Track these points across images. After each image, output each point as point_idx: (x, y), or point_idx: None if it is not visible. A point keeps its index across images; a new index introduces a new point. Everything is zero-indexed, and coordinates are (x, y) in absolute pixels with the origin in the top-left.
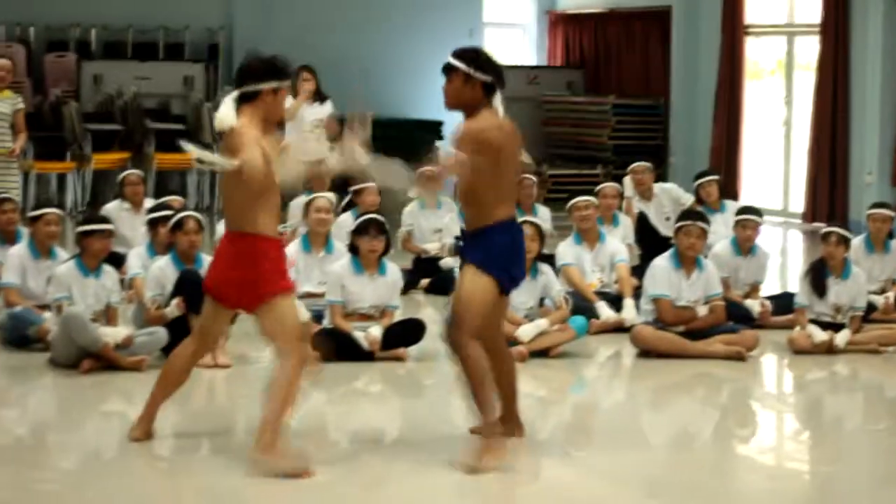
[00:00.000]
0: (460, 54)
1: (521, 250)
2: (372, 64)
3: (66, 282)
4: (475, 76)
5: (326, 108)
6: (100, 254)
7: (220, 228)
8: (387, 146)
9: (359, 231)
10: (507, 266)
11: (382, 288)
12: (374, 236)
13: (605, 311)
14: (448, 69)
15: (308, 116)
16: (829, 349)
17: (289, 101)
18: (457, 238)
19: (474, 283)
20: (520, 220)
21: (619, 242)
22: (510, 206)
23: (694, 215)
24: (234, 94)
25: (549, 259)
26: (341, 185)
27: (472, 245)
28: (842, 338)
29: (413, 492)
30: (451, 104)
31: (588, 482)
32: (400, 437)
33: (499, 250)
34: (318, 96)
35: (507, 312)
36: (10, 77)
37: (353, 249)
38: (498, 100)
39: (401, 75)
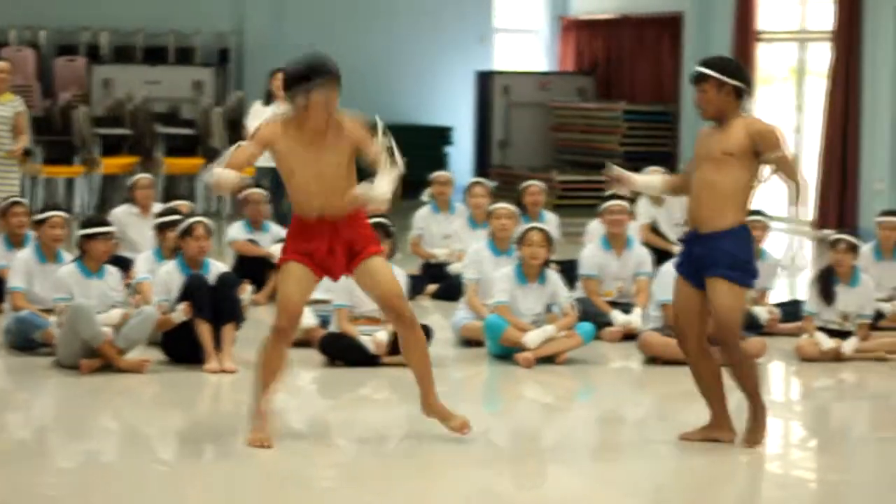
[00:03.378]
0: (709, 63)
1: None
2: (382, 68)
3: (68, 284)
4: (728, 82)
5: None
6: (102, 256)
7: (231, 233)
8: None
9: None
10: (752, 269)
11: None
12: (380, 240)
13: (617, 317)
14: (699, 78)
15: None
16: (837, 357)
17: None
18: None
19: (732, 300)
20: (527, 226)
21: (646, 252)
22: (748, 204)
23: None
24: None
25: (571, 265)
26: None
27: (712, 250)
28: (849, 345)
29: (417, 499)
30: (710, 114)
31: (594, 490)
32: (405, 444)
33: (745, 254)
34: None
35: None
36: (9, 79)
37: None
38: (750, 104)
39: (412, 80)
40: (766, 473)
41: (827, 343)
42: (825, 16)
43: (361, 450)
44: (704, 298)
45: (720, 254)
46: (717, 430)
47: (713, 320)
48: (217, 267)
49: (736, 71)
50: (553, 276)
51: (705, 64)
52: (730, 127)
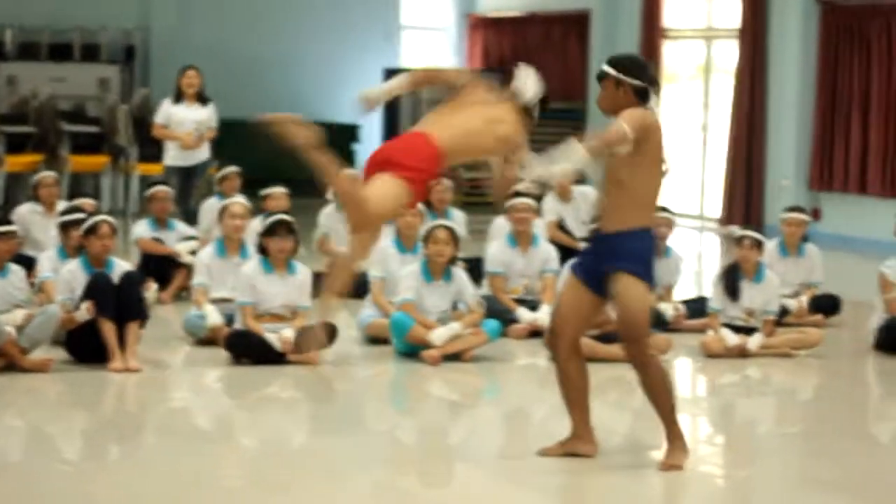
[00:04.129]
0: (612, 61)
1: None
2: (289, 65)
3: None
4: (626, 81)
5: (208, 111)
6: (4, 255)
7: (136, 230)
8: None
9: (268, 232)
10: (653, 273)
11: (292, 287)
12: (284, 237)
13: (523, 314)
14: (600, 76)
15: (189, 117)
16: (742, 353)
17: (167, 104)
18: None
19: (635, 291)
20: (433, 223)
21: (552, 249)
22: (651, 213)
23: None
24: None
25: (478, 262)
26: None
27: (612, 250)
28: (754, 342)
29: (323, 498)
30: (605, 109)
31: (501, 487)
32: (311, 443)
33: (646, 256)
34: (201, 98)
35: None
36: None
37: (262, 250)
38: (654, 103)
39: (319, 77)
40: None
41: (732, 339)
42: (732, 14)
43: (266, 449)
44: (593, 303)
45: (624, 251)
46: (577, 443)
47: (618, 316)
48: (121, 265)
49: (637, 70)
50: (459, 273)
51: (608, 62)
52: None
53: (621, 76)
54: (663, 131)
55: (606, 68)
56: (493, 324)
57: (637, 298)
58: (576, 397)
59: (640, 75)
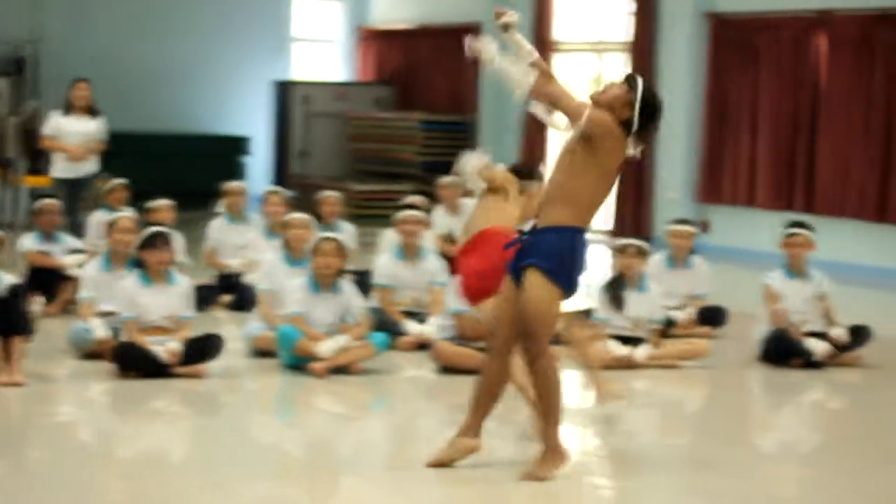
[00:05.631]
0: (641, 82)
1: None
2: (179, 77)
3: None
4: (633, 103)
5: (97, 124)
6: None
7: (24, 243)
8: (193, 161)
9: (146, 244)
10: (571, 274)
11: (174, 298)
12: (162, 248)
13: (411, 326)
14: (629, 79)
15: (78, 130)
16: (629, 364)
17: (56, 117)
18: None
19: (539, 291)
20: (321, 235)
21: (440, 262)
22: (590, 218)
23: None
24: None
25: (366, 275)
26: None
27: (533, 245)
28: (641, 353)
29: None
30: (594, 102)
31: (388, 500)
32: (196, 457)
33: (564, 256)
34: (91, 111)
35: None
36: None
37: (139, 263)
38: (632, 142)
39: (209, 89)
40: (559, 481)
41: (619, 350)
42: (621, 27)
43: (151, 463)
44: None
45: (542, 248)
46: (463, 440)
47: (520, 309)
48: (6, 278)
49: (649, 105)
50: (347, 285)
51: (640, 78)
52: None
53: (634, 96)
54: (624, 156)
55: (633, 79)
56: (380, 336)
57: (539, 298)
58: (482, 398)
59: (646, 110)
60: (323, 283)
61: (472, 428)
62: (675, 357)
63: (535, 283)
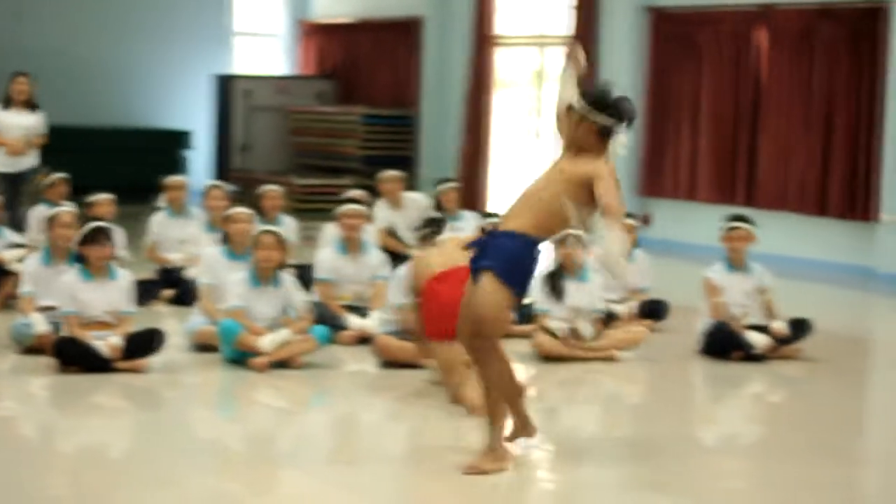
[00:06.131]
0: (583, 94)
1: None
2: (120, 71)
3: None
4: (590, 118)
5: (36, 118)
6: None
7: None
8: (134, 155)
9: (86, 239)
10: (523, 280)
11: (115, 293)
12: (103, 243)
13: (353, 320)
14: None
15: (18, 123)
16: (576, 336)
17: None
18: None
19: (490, 295)
20: (261, 229)
21: (382, 256)
22: (551, 234)
23: (434, 223)
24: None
25: (308, 269)
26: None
27: (490, 247)
28: (585, 327)
29: None
30: (563, 137)
31: (328, 494)
32: (135, 452)
33: (518, 261)
34: (30, 105)
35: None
36: None
37: (80, 258)
38: (616, 141)
39: (149, 83)
40: (502, 475)
41: (563, 327)
42: (563, 21)
43: (92, 458)
44: None
45: (498, 250)
46: (520, 431)
47: (468, 307)
48: None
49: (604, 106)
50: (287, 279)
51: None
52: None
53: (586, 113)
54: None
55: (574, 103)
56: (321, 330)
57: (491, 302)
58: (500, 402)
59: (607, 111)
60: (263, 276)
61: (520, 426)
62: (614, 346)
63: (489, 286)
